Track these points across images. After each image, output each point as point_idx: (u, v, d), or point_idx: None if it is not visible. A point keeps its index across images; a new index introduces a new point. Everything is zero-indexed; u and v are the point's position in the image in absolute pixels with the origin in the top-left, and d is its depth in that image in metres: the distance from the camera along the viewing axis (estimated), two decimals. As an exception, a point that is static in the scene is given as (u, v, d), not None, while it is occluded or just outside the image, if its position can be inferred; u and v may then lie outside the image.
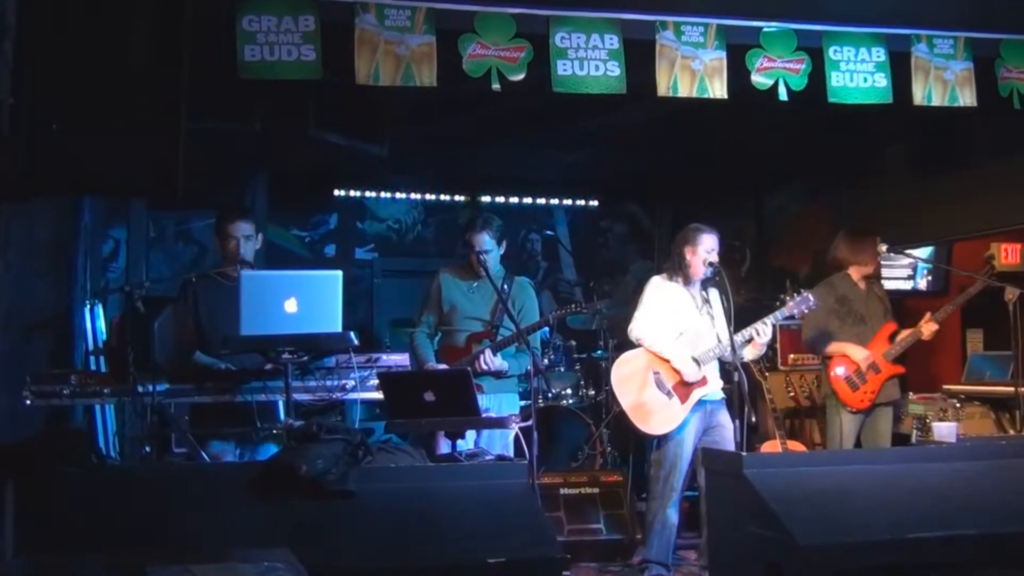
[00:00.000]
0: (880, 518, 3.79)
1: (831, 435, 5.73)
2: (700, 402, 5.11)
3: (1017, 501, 3.95)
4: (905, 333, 5.71)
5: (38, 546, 2.99)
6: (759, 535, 3.80)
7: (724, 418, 5.18)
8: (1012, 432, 6.05)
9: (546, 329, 6.11)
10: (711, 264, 5.10)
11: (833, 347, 5.67)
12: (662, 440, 5.11)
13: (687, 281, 5.23)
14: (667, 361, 5.09)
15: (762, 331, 5.04)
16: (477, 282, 5.31)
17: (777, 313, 5.14)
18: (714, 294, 5.31)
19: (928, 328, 5.66)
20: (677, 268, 5.24)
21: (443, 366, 5.17)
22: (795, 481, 3.98)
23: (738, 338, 4.97)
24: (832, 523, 3.75)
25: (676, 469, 5.06)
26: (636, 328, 5.18)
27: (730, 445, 5.00)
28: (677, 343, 5.12)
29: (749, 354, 5.19)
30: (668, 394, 5.08)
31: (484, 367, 5.08)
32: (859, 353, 5.62)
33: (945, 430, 4.80)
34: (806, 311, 5.19)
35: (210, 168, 5.96)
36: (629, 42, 4.84)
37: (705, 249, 5.16)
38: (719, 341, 5.07)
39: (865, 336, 5.69)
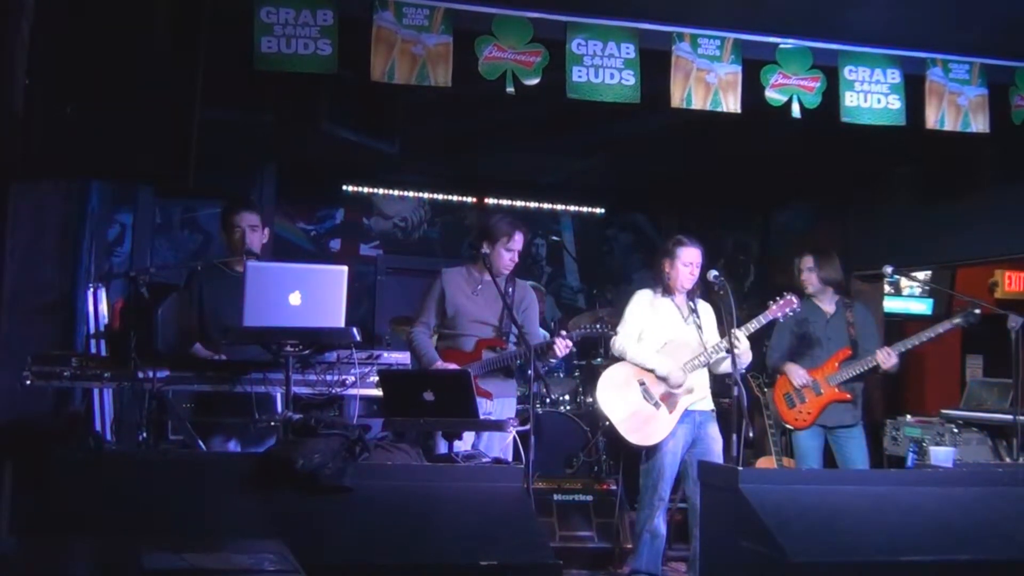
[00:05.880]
0: (874, 539, 3.78)
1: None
2: (688, 413, 5.11)
3: (1012, 529, 3.94)
4: (865, 360, 5.61)
5: (32, 527, 2.99)
6: (751, 550, 3.80)
7: (713, 431, 5.17)
8: (1009, 460, 6.04)
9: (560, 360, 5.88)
10: (715, 276, 5.09)
11: (779, 365, 5.77)
12: (650, 451, 5.12)
13: (670, 292, 5.24)
14: (651, 371, 5.10)
15: (739, 337, 4.98)
16: (481, 284, 5.24)
17: (760, 316, 5.16)
18: (703, 305, 5.31)
19: (885, 358, 5.55)
20: (659, 280, 5.27)
21: (452, 365, 5.06)
22: (790, 498, 3.97)
23: (723, 344, 5.00)
24: (825, 542, 3.74)
25: (663, 479, 5.07)
26: (618, 342, 5.21)
27: (718, 459, 5.00)
28: (660, 354, 5.13)
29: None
30: (656, 404, 5.08)
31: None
32: (790, 368, 5.71)
33: (942, 455, 4.79)
34: (790, 313, 5.19)
35: (219, 157, 5.96)
36: (644, 52, 4.86)
37: (683, 262, 5.17)
38: (704, 350, 5.08)
39: (818, 358, 5.73)
